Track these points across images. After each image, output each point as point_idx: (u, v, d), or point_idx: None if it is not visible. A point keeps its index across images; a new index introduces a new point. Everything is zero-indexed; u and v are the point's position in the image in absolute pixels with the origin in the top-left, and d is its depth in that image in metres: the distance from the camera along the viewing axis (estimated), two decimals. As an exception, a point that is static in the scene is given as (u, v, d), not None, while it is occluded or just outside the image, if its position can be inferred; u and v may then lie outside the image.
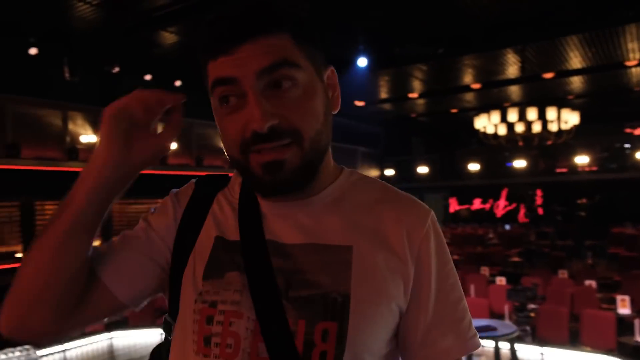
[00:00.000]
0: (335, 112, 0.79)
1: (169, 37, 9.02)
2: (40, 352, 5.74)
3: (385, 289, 0.73)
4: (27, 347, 5.40)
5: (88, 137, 9.63)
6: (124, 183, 0.76)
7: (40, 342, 0.75)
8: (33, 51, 8.09)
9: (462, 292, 0.79)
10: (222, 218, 0.79)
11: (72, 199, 0.72)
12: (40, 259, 0.71)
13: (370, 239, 0.75)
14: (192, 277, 0.76)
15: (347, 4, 7.65)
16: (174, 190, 0.86)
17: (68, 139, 9.30)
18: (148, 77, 10.84)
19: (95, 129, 9.84)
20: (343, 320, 0.69)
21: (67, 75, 8.55)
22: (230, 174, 0.86)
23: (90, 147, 9.64)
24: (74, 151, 9.13)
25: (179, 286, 0.77)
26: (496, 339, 4.55)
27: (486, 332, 4.45)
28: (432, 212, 0.81)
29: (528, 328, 5.54)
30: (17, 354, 5.28)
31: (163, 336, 0.82)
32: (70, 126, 9.40)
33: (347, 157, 15.61)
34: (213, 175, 0.86)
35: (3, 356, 5.21)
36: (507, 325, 4.78)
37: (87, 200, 0.72)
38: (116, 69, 8.87)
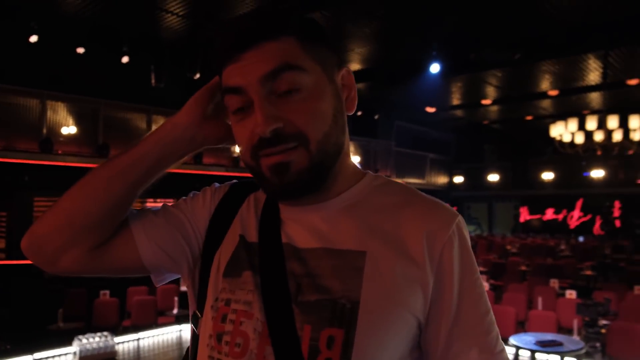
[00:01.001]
0: (350, 114, 0.78)
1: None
2: (116, 339, 6.22)
3: (399, 297, 0.70)
4: (105, 333, 5.88)
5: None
6: (186, 149, 0.81)
7: (50, 268, 0.75)
8: (125, 59, 8.79)
9: (489, 305, 0.76)
10: (247, 219, 0.81)
11: (139, 143, 0.79)
12: (93, 183, 0.77)
13: (386, 244, 0.72)
14: (215, 273, 0.78)
15: (423, 10, 7.71)
16: (216, 184, 0.90)
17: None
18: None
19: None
20: (350, 328, 0.67)
21: (153, 81, 9.20)
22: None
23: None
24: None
25: (207, 280, 0.79)
26: (562, 354, 4.47)
27: (552, 347, 4.39)
28: (460, 218, 0.76)
29: (598, 345, 5.36)
30: (97, 339, 5.74)
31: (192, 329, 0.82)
32: (154, 127, 10.07)
33: (415, 163, 15.53)
34: (250, 180, 0.85)
35: (84, 340, 5.68)
36: (574, 341, 4.68)
37: (153, 147, 0.78)
38: (198, 76, 9.41)
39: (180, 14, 8.07)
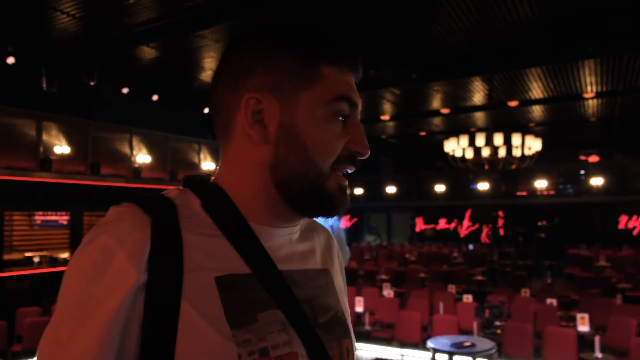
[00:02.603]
0: None
1: (149, 52, 9.11)
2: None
3: (345, 302, 0.82)
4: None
5: (62, 147, 9.54)
6: None
7: None
8: (10, 60, 8.03)
9: None
10: (212, 250, 0.65)
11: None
12: None
13: (326, 260, 0.82)
14: (202, 330, 0.60)
15: (323, 26, 7.93)
16: (114, 243, 0.60)
17: (41, 148, 9.20)
18: (125, 90, 10.84)
19: (69, 139, 9.75)
20: (350, 335, 0.77)
21: (44, 85, 8.50)
22: (170, 193, 0.70)
23: (63, 157, 9.54)
24: (47, 162, 9.03)
25: (172, 350, 0.60)
26: (475, 354, 4.80)
27: (467, 348, 4.70)
28: None
29: (494, 344, 5.83)
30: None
31: None
32: (45, 136, 9.30)
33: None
34: (151, 200, 0.66)
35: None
36: (484, 342, 5.05)
37: None
38: (94, 81, 8.87)
39: (77, 15, 7.57)
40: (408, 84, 11.04)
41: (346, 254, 3.61)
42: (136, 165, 10.89)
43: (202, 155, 12.72)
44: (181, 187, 0.72)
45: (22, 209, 8.83)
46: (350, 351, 0.75)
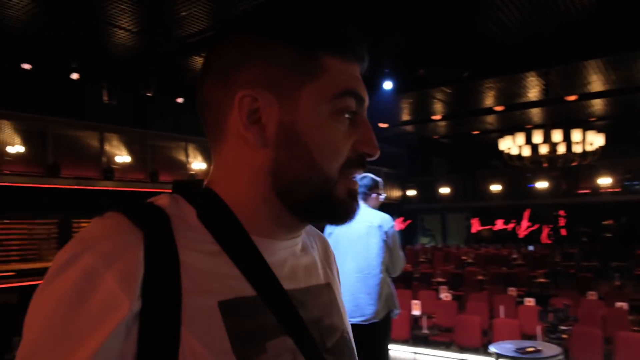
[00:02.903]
0: None
1: (201, 62, 9.36)
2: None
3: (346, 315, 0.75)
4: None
5: (123, 157, 9.98)
6: None
7: None
8: (74, 76, 8.48)
9: None
10: (212, 271, 0.57)
11: None
12: None
13: (326, 272, 0.75)
14: None
15: (375, 29, 7.91)
16: (100, 264, 0.51)
17: (104, 159, 9.65)
18: (180, 100, 11.22)
19: (129, 149, 10.19)
20: (354, 355, 0.71)
21: (105, 98, 8.92)
22: (161, 201, 0.61)
23: (124, 166, 9.98)
24: (110, 171, 9.46)
25: None
26: (541, 362, 4.60)
27: (532, 354, 4.50)
28: None
29: (561, 350, 5.58)
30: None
31: None
32: (107, 147, 9.76)
33: (369, 178, 15.81)
34: (142, 211, 0.57)
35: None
36: (551, 347, 4.83)
37: None
38: (150, 92, 9.22)
39: (133, 30, 7.90)
40: (459, 82, 10.82)
41: (401, 261, 3.54)
42: (192, 172, 11.24)
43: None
44: (171, 193, 0.62)
45: (88, 217, 9.29)
46: None
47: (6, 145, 8.51)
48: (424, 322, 6.50)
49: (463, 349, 6.28)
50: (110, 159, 9.80)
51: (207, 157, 11.71)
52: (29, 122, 8.72)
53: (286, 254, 0.65)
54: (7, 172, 8.24)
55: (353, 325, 3.57)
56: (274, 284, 0.60)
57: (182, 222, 0.58)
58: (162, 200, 0.60)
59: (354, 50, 0.63)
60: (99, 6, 6.98)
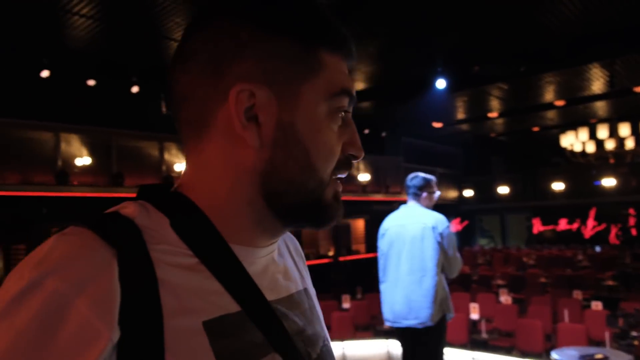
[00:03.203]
0: None
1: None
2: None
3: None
4: None
5: (181, 165, 10.36)
6: None
7: None
8: (135, 89, 8.90)
9: None
10: (192, 288, 0.52)
11: None
12: None
13: (301, 273, 0.72)
14: None
15: (426, 26, 7.80)
16: (69, 289, 0.44)
17: (164, 167, 10.06)
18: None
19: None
20: None
21: (164, 109, 9.29)
22: (128, 210, 0.54)
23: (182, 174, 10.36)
24: (170, 179, 9.84)
25: None
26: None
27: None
28: None
29: (631, 357, 5.28)
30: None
31: None
32: (166, 156, 10.17)
33: (423, 178, 15.60)
34: (110, 223, 0.51)
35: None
36: (619, 354, 4.59)
37: None
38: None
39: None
40: (516, 77, 10.44)
41: (457, 263, 3.47)
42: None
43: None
44: (137, 199, 0.57)
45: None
46: None
47: (75, 158, 9.05)
48: (483, 326, 6.34)
49: (525, 354, 6.06)
50: (170, 167, 10.20)
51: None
52: (95, 134, 9.24)
53: (265, 261, 0.61)
54: (76, 182, 8.75)
55: (407, 329, 3.51)
56: (258, 297, 0.56)
57: (155, 233, 0.52)
58: (129, 209, 0.54)
59: (349, 47, 0.60)
60: (157, 20, 7.28)
